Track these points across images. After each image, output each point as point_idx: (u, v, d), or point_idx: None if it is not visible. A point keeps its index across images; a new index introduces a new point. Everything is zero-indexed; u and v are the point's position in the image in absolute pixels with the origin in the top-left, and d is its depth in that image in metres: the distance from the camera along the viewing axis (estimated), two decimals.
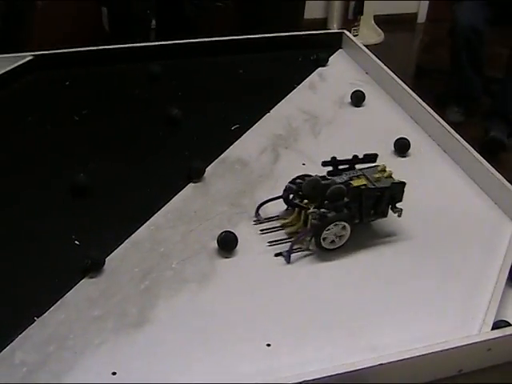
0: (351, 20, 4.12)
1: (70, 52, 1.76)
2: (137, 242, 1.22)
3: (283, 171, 1.41)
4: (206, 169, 1.39)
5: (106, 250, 1.19)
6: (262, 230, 1.26)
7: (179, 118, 1.53)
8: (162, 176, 1.38)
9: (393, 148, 1.50)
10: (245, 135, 1.52)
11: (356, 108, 1.66)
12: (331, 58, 1.86)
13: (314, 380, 0.97)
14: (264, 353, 1.05)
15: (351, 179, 1.25)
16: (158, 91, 1.68)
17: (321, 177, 1.24)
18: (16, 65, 1.71)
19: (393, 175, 1.26)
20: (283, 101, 1.67)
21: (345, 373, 0.98)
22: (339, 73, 1.81)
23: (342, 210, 1.20)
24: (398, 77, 1.70)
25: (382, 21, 4.28)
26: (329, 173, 1.26)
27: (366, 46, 1.86)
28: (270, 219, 1.28)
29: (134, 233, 1.23)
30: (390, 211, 1.26)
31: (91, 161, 1.41)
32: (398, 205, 1.26)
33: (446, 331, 1.08)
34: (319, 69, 1.82)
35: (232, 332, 1.07)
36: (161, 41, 1.86)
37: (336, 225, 1.19)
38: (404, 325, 1.10)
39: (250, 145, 1.49)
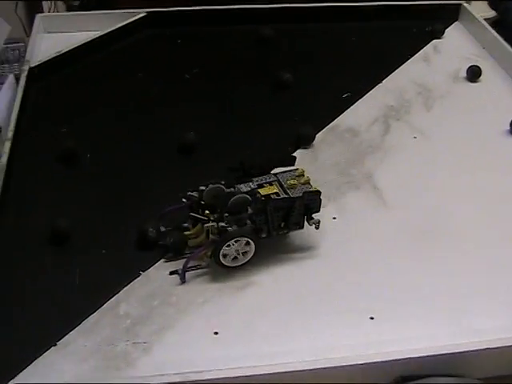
0: None
1: (182, 10, 1.77)
2: None
3: (394, 143, 1.38)
4: (316, 136, 1.37)
5: None
6: None
7: (290, 83, 1.52)
8: (270, 140, 1.37)
9: (508, 127, 1.44)
10: (356, 104, 1.49)
11: (471, 83, 1.60)
12: (447, 31, 1.80)
13: (418, 358, 0.95)
14: (366, 326, 1.03)
15: (261, 186, 1.11)
16: (269, 54, 1.66)
17: (226, 184, 1.11)
18: (129, 21, 1.72)
19: (310, 182, 1.13)
20: (396, 72, 1.62)
21: (448, 354, 0.96)
22: (455, 46, 1.75)
23: (245, 224, 1.07)
24: None
25: None
26: (237, 179, 1.13)
27: None
28: (173, 230, 1.13)
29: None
30: None
31: (200, 119, 1.41)
32: (315, 216, 1.11)
33: None
34: (434, 41, 1.76)
35: (334, 302, 1.06)
36: (271, 3, 1.84)
37: (238, 241, 1.06)
38: (507, 311, 1.06)
39: (360, 114, 1.46)
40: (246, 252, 1.08)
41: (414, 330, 1.02)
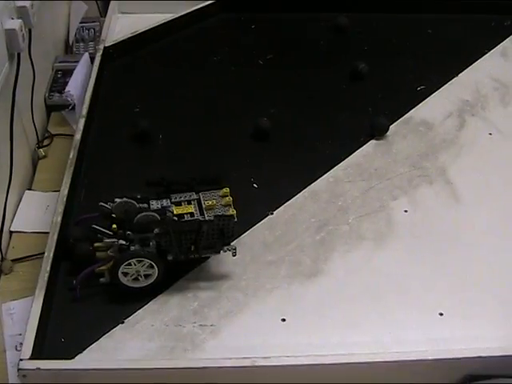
0: None
1: None
2: (315, 192, 1.21)
3: (468, 139, 1.35)
4: (389, 127, 1.35)
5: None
6: None
7: (364, 73, 1.50)
8: (343, 129, 1.36)
9: None
10: (430, 97, 1.47)
11: None
12: None
13: (488, 357, 0.93)
14: (435, 322, 1.01)
15: (179, 204, 1.04)
16: (344, 44, 1.64)
17: (140, 198, 1.04)
18: (203, 5, 1.72)
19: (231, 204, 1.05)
20: (472, 66, 1.59)
21: None
22: None
23: (149, 244, 1.01)
24: None
25: None
26: (158, 194, 1.06)
27: None
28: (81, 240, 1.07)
29: (313, 182, 1.22)
30: None
31: (274, 106, 1.40)
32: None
33: None
34: None
35: (404, 296, 1.04)
36: None
37: (141, 261, 0.99)
38: None
39: (435, 108, 1.44)
40: (149, 275, 1.01)
41: (485, 328, 1.00)
